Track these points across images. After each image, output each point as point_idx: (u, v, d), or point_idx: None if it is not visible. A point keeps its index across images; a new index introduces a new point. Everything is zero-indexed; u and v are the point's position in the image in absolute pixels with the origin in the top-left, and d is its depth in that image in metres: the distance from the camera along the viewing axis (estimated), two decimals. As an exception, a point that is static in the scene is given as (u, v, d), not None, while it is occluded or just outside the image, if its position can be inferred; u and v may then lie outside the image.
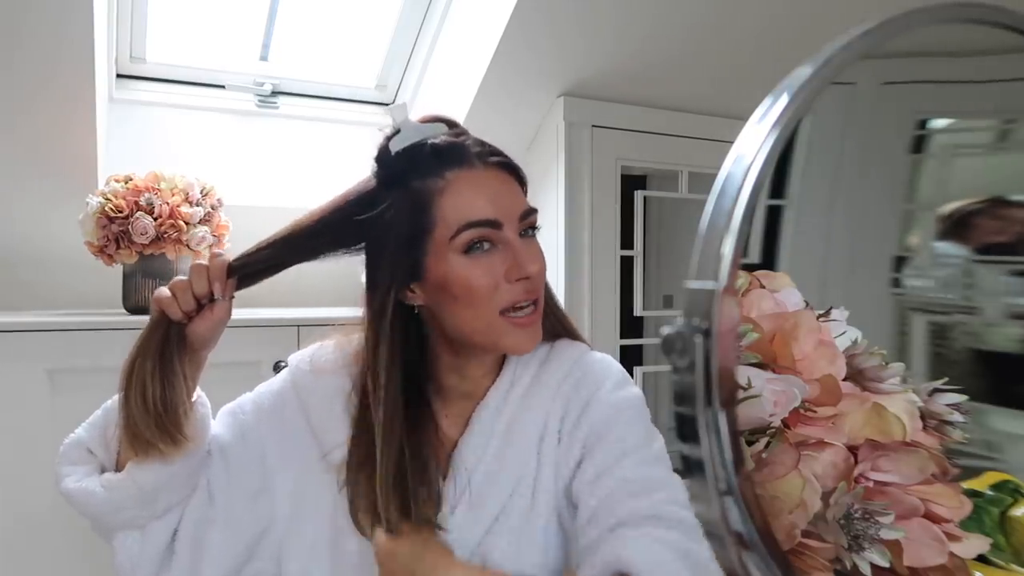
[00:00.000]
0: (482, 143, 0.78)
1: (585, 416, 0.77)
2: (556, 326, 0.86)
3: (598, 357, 0.84)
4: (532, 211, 0.78)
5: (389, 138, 0.77)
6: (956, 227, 0.63)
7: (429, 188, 0.74)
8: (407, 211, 0.74)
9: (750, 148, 0.32)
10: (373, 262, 0.78)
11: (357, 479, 0.77)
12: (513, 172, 0.79)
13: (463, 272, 0.73)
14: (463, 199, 0.73)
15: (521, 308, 0.75)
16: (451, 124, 0.80)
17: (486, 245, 0.74)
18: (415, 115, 0.80)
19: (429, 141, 0.76)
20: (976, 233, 0.61)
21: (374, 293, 0.77)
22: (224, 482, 0.81)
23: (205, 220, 1.55)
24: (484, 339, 0.76)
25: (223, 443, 0.83)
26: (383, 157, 0.77)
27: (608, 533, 0.66)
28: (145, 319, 0.79)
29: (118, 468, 0.79)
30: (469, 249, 0.73)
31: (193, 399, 0.79)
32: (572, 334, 0.87)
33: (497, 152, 0.78)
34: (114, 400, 0.79)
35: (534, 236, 0.79)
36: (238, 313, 0.82)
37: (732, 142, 0.34)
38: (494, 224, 0.74)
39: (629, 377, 0.82)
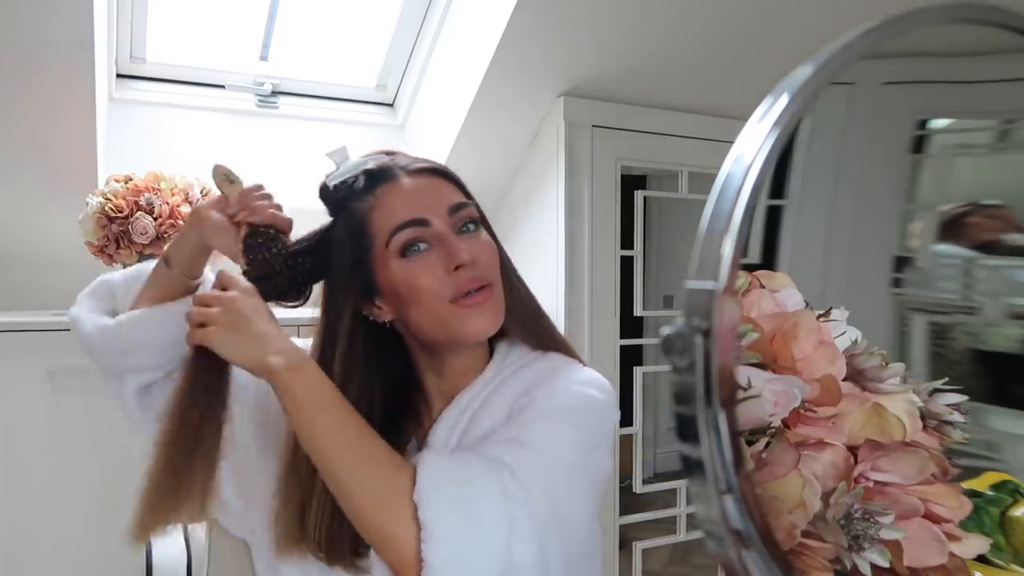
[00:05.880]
0: (412, 158, 0.84)
1: (528, 395, 0.79)
2: (547, 339, 0.87)
3: (580, 367, 0.84)
4: (463, 205, 0.81)
5: (328, 175, 0.83)
6: (948, 228, 0.63)
7: (362, 208, 0.79)
8: (349, 234, 0.80)
9: (750, 148, 0.32)
10: (328, 287, 0.82)
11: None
12: (439, 174, 0.83)
13: (404, 274, 0.77)
14: (390, 208, 0.78)
15: (469, 294, 0.77)
16: (389, 153, 0.85)
17: (422, 246, 0.77)
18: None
19: (362, 168, 0.81)
20: (973, 232, 0.61)
21: (328, 316, 0.81)
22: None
23: (205, 220, 1.55)
24: (443, 332, 0.78)
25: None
26: (323, 192, 0.83)
27: None
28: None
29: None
30: (405, 252, 0.77)
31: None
32: (567, 351, 0.88)
33: (422, 160, 0.83)
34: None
35: (477, 229, 0.81)
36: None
37: (732, 142, 0.34)
38: (420, 223, 0.77)
39: (603, 384, 0.82)
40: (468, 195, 0.84)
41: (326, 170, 0.84)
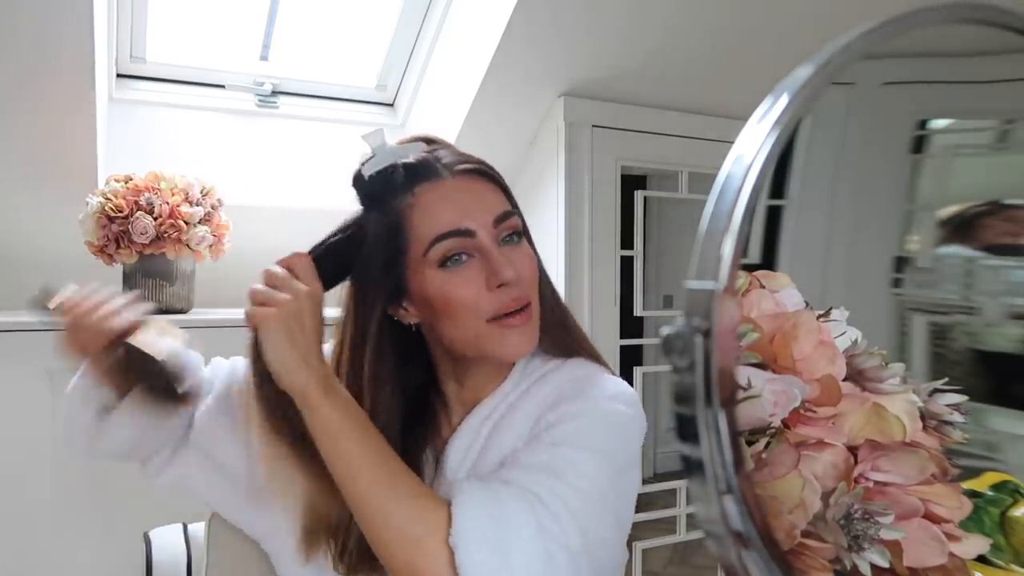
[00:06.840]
0: (457, 153, 0.77)
1: (555, 412, 0.75)
2: (572, 344, 0.83)
3: (607, 377, 0.81)
4: (509, 214, 0.75)
5: (364, 163, 0.76)
6: (960, 229, 0.63)
7: (400, 207, 0.73)
8: (383, 232, 0.74)
9: (750, 148, 0.32)
10: (358, 284, 0.77)
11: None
12: (486, 177, 0.76)
13: (441, 287, 0.72)
14: (431, 212, 0.72)
15: (510, 314, 0.73)
16: (430, 141, 0.79)
17: (464, 257, 0.72)
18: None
19: (401, 161, 0.74)
20: (986, 233, 0.61)
21: (358, 314, 0.76)
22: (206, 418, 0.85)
23: (205, 220, 1.56)
24: (475, 350, 0.74)
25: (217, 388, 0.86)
26: (357, 181, 0.77)
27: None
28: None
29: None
30: (444, 262, 0.72)
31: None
32: (592, 355, 0.84)
33: (468, 160, 0.76)
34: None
35: (520, 241, 0.76)
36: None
37: (732, 142, 0.34)
38: (465, 233, 0.72)
39: (630, 396, 0.78)
40: (513, 201, 0.79)
41: (362, 158, 0.77)
